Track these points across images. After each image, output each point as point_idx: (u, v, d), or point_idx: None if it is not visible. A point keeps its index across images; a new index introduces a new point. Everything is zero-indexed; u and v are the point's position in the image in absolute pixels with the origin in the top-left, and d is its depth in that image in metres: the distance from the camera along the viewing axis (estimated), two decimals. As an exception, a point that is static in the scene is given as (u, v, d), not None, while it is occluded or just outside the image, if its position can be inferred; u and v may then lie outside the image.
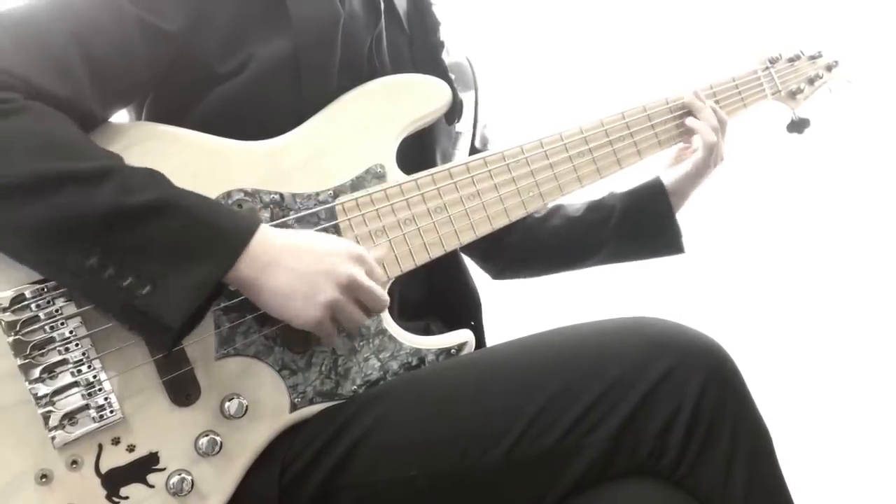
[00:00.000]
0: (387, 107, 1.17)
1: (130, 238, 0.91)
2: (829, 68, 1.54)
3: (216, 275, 0.94)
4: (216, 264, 0.94)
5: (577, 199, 1.50)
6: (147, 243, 0.92)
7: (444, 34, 1.32)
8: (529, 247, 1.52)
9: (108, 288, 0.91)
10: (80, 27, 1.01)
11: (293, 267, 0.97)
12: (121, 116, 1.17)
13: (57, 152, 0.92)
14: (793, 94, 1.51)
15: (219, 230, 0.95)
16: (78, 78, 1.00)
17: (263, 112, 1.12)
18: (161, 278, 0.91)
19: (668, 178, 1.43)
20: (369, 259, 1.04)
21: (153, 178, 0.96)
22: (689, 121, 1.37)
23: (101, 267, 0.90)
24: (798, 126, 1.53)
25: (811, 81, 1.52)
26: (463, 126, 1.36)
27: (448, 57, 1.30)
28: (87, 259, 0.90)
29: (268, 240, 0.97)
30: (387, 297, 1.04)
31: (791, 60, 1.51)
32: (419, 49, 1.30)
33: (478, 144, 1.47)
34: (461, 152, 1.37)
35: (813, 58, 1.53)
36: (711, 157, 1.37)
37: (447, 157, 1.32)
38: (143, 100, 1.16)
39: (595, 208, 1.49)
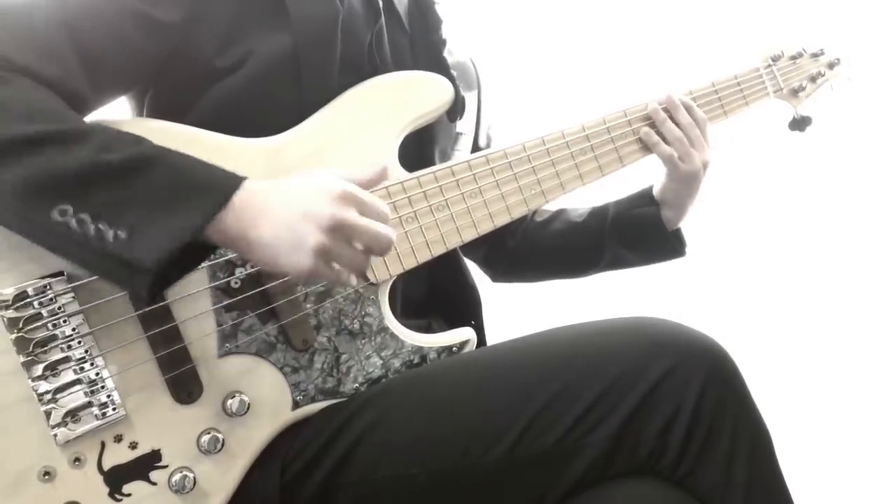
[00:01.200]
0: (389, 104, 1.17)
1: (106, 194, 0.89)
2: (830, 66, 1.53)
3: (198, 222, 0.89)
4: (198, 214, 0.90)
5: (582, 203, 1.49)
6: (124, 199, 0.89)
7: (447, 33, 1.31)
8: (529, 250, 1.50)
9: (82, 236, 0.87)
10: (75, 13, 1.00)
11: (276, 216, 0.91)
12: (122, 113, 1.17)
13: (39, 117, 0.91)
14: (795, 92, 1.50)
15: (201, 183, 0.92)
16: (66, 60, 0.99)
17: (265, 110, 1.12)
18: (139, 225, 0.88)
19: (657, 186, 1.42)
20: (359, 195, 0.94)
21: (136, 138, 0.94)
22: (644, 133, 1.32)
23: (76, 219, 0.87)
24: (800, 124, 1.53)
25: (813, 79, 1.52)
26: (464, 126, 1.35)
27: (451, 56, 1.30)
28: (63, 216, 0.87)
29: (252, 192, 0.92)
30: (390, 233, 0.94)
31: (793, 58, 1.51)
32: (420, 47, 1.30)
33: (482, 144, 1.46)
34: (462, 153, 1.36)
35: (815, 55, 1.53)
36: (683, 166, 1.33)
37: (445, 156, 1.32)
38: (144, 95, 1.16)
39: (596, 214, 1.47)
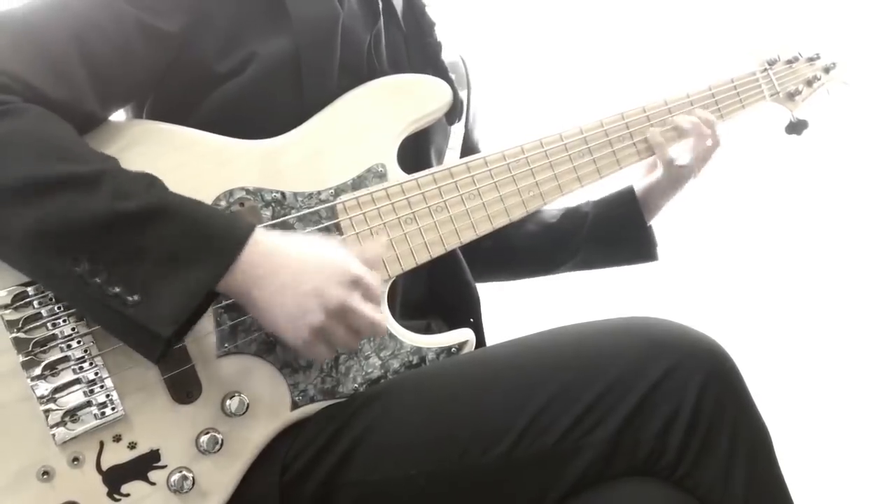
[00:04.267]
0: (388, 106, 1.17)
1: (120, 245, 0.91)
2: (826, 70, 1.54)
3: (208, 282, 0.93)
4: (208, 272, 0.93)
5: (553, 204, 1.49)
6: (137, 250, 0.91)
7: (441, 35, 1.32)
8: (504, 251, 1.49)
9: (97, 295, 0.90)
10: (80, 28, 1.01)
11: (284, 284, 0.95)
12: (118, 115, 1.17)
13: (52, 156, 0.92)
14: (791, 96, 1.51)
15: (211, 238, 0.94)
16: (77, 80, 1.00)
17: (265, 112, 1.12)
18: (151, 286, 0.90)
19: (640, 186, 1.44)
20: (367, 280, 1.00)
21: (147, 182, 0.95)
22: (651, 134, 1.34)
23: (91, 274, 0.90)
24: (796, 127, 1.53)
25: (809, 83, 1.52)
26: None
27: (445, 56, 1.31)
28: (77, 266, 0.90)
29: (262, 249, 0.95)
30: (384, 323, 1.01)
31: (789, 62, 1.51)
32: (415, 49, 1.30)
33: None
34: (454, 150, 1.37)
35: (811, 60, 1.53)
36: (681, 168, 1.36)
37: (441, 155, 1.32)
38: (144, 100, 1.16)
39: (570, 215, 1.50)
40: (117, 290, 0.90)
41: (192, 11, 1.08)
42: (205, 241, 0.93)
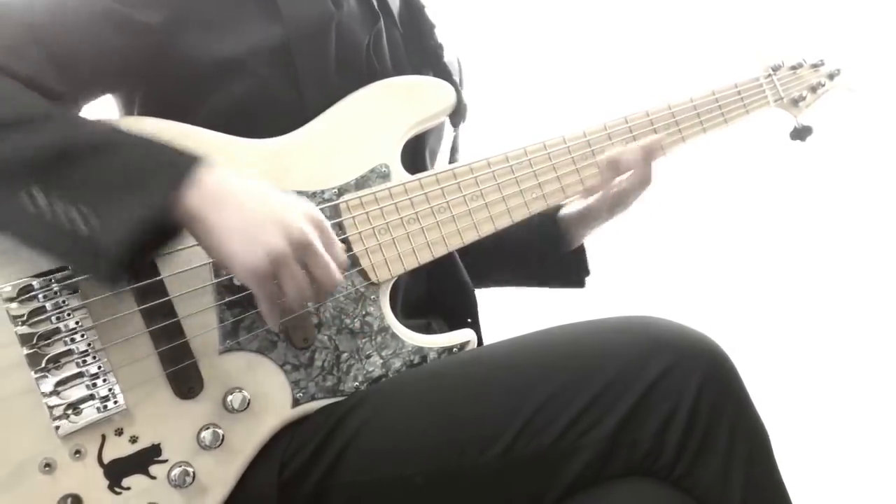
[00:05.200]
0: (392, 108, 1.18)
1: (74, 172, 0.91)
2: (831, 77, 1.54)
3: (162, 203, 0.90)
4: (162, 192, 0.90)
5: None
6: (91, 176, 0.91)
7: (441, 37, 1.32)
8: None
9: (50, 222, 0.89)
10: (39, 14, 1.03)
11: (246, 207, 0.92)
12: (114, 113, 1.19)
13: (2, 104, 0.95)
14: (795, 102, 1.51)
15: (165, 159, 0.93)
16: (33, 59, 1.01)
17: (266, 113, 1.12)
18: (106, 210, 0.89)
19: (569, 210, 1.39)
20: (329, 230, 0.98)
21: (100, 121, 0.97)
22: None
23: (45, 202, 0.89)
24: (801, 133, 1.53)
25: (813, 89, 1.52)
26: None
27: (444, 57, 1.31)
28: (30, 197, 0.89)
29: (224, 177, 0.93)
30: (340, 276, 0.96)
31: (793, 68, 1.51)
32: (414, 51, 1.31)
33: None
34: (444, 153, 1.38)
35: (815, 66, 1.53)
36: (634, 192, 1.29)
37: (434, 157, 1.33)
38: (133, 96, 1.16)
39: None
40: (72, 215, 0.88)
41: (174, 6, 1.08)
42: (157, 163, 0.93)
